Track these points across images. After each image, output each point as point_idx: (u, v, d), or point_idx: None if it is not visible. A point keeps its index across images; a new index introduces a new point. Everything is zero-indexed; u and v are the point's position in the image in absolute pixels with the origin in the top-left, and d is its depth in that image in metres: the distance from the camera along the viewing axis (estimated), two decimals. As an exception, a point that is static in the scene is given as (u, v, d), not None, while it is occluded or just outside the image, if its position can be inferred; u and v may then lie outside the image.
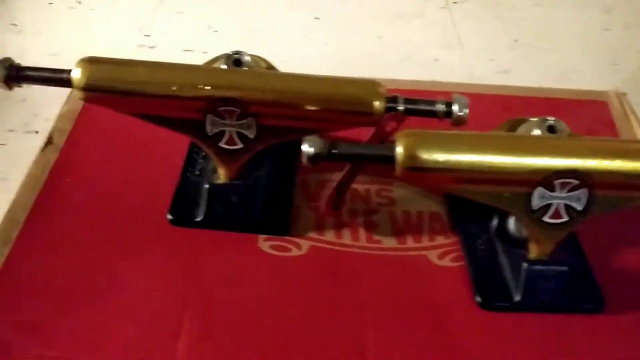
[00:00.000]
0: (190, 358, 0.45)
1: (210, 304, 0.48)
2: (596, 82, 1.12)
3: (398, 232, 0.55)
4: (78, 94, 0.49)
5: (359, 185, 0.58)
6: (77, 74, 0.48)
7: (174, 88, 0.48)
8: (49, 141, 0.59)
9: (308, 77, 0.50)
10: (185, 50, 1.12)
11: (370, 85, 0.50)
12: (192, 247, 0.52)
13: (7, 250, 0.50)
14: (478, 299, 0.49)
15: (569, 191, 0.46)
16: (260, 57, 0.54)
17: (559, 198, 0.46)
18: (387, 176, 0.59)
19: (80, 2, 1.20)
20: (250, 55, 0.53)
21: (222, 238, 0.53)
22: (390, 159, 0.45)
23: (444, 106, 0.50)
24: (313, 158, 0.45)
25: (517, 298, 0.49)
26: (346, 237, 0.54)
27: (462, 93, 0.69)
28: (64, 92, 0.63)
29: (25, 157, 0.87)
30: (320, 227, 0.54)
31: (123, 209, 0.55)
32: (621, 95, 0.68)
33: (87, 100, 0.49)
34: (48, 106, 0.95)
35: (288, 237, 0.53)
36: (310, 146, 0.45)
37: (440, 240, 0.55)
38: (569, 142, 0.47)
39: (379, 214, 0.56)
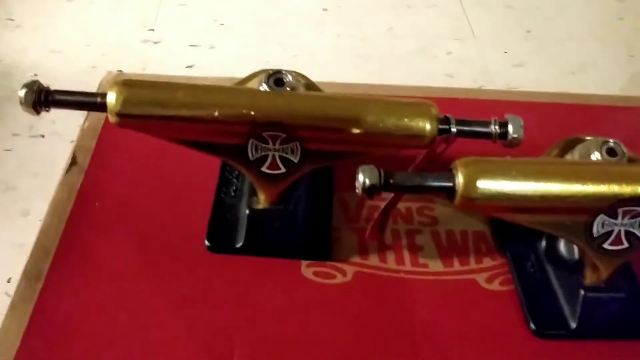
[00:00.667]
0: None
1: (258, 336, 0.46)
2: (613, 72, 1.11)
3: (443, 254, 0.53)
4: (112, 118, 0.46)
5: (400, 203, 0.56)
6: (112, 99, 0.45)
7: (216, 113, 0.45)
8: (73, 161, 0.56)
9: (357, 99, 0.48)
10: (192, 45, 1.08)
11: (422, 108, 0.47)
12: (233, 276, 0.50)
13: (40, 285, 0.47)
14: (532, 326, 0.48)
15: (631, 218, 0.44)
16: (299, 74, 0.51)
17: (620, 225, 0.45)
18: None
19: (80, -5, 1.15)
20: (291, 72, 0.50)
21: (264, 265, 0.51)
22: (450, 189, 0.43)
23: (498, 127, 0.48)
24: (369, 190, 0.43)
25: (574, 325, 0.48)
26: (391, 261, 0.52)
27: (485, 100, 0.67)
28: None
29: (32, 163, 0.84)
30: (363, 251, 0.52)
31: (157, 234, 0.52)
32: (659, 101, 0.66)
33: (120, 125, 0.46)
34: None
35: (331, 263, 0.51)
36: (366, 177, 0.42)
37: (487, 262, 0.53)
38: (632, 169, 0.45)
39: (423, 235, 0.54)
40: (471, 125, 0.48)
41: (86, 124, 0.60)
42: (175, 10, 1.16)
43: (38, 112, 0.47)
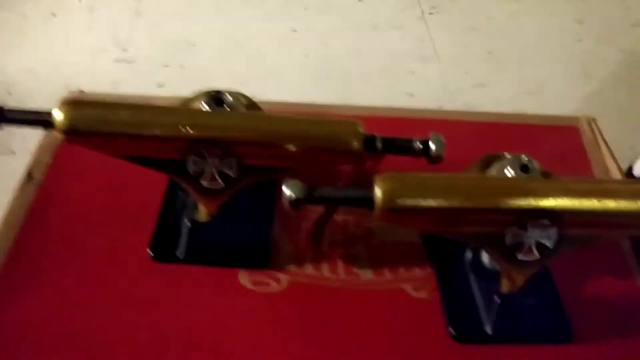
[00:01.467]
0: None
1: (190, 342, 0.49)
2: (570, 95, 1.15)
3: (375, 264, 0.56)
4: (59, 135, 0.49)
5: (338, 216, 0.59)
6: (59, 116, 0.49)
7: (156, 131, 0.49)
8: (29, 176, 0.59)
9: (289, 118, 0.51)
10: (164, 65, 1.12)
11: (349, 126, 0.51)
12: (173, 284, 0.53)
13: (-12, 293, 0.50)
14: (452, 331, 0.51)
15: (541, 230, 0.48)
16: (240, 94, 0.55)
17: (531, 237, 0.48)
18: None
19: (55, 15, 1.19)
20: (230, 92, 0.53)
21: (203, 274, 0.54)
22: (370, 201, 0.46)
23: (420, 145, 0.51)
24: (294, 202, 0.46)
25: (490, 331, 0.51)
26: (325, 270, 0.55)
27: (435, 119, 0.71)
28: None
29: (3, 181, 0.87)
30: (299, 260, 0.56)
31: (104, 245, 0.55)
32: (592, 121, 0.70)
33: (69, 141, 0.50)
34: (25, 123, 0.95)
35: (268, 271, 0.54)
36: (290, 190, 0.46)
37: (416, 272, 0.56)
38: (541, 184, 0.48)
39: (357, 246, 0.58)
40: (395, 142, 0.52)
41: (45, 140, 0.63)
42: (149, 30, 1.19)
43: (-10, 129, 0.50)
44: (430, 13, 1.32)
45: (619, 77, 1.20)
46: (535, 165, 0.50)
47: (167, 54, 1.14)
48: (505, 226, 0.47)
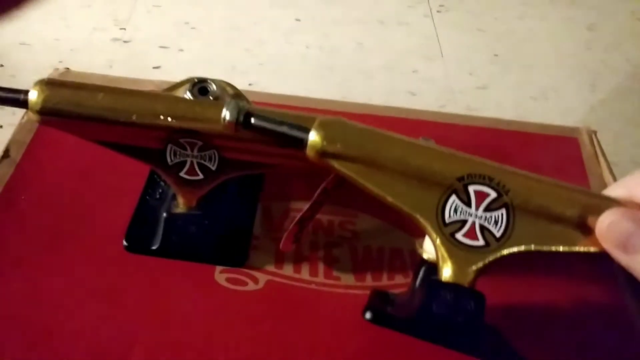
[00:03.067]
0: (136, 397, 0.44)
1: (159, 338, 0.47)
2: (574, 103, 1.13)
3: (358, 268, 0.54)
4: (33, 115, 0.47)
5: (323, 216, 0.57)
6: (33, 96, 0.46)
7: (134, 117, 0.47)
8: (5, 154, 0.57)
9: (273, 111, 0.49)
10: (161, 47, 1.09)
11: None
12: (146, 277, 0.51)
13: (-48, 272, 0.49)
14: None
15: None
16: (227, 83, 0.52)
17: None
18: (352, 207, 0.59)
19: (55, -11, 1.16)
20: (216, 81, 0.51)
21: (178, 268, 0.52)
22: (301, 142, 0.43)
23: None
24: (228, 125, 0.44)
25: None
26: (305, 272, 0.53)
27: (433, 122, 0.69)
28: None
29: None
30: (279, 260, 0.54)
31: (78, 232, 0.53)
32: (592, 133, 0.68)
33: (43, 123, 0.47)
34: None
35: (245, 270, 0.52)
36: (227, 112, 0.44)
37: (399, 279, 0.54)
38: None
39: (340, 248, 0.56)
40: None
41: (25, 118, 0.61)
42: (150, 10, 1.17)
43: (-38, 105, 0.48)
44: (438, 11, 1.29)
45: (627, 89, 1.18)
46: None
47: (165, 36, 1.11)
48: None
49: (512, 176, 0.43)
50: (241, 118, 0.44)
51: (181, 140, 0.48)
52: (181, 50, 1.09)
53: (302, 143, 0.44)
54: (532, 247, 0.44)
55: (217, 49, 1.11)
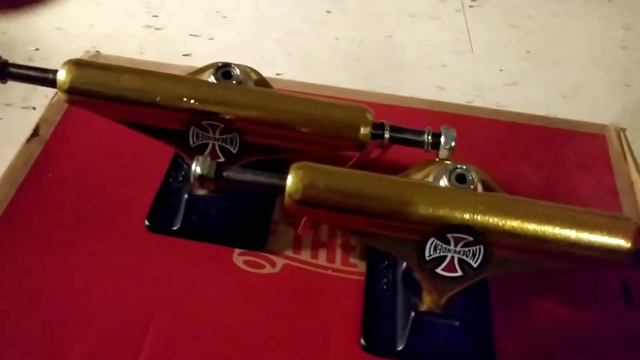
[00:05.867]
0: (151, 372, 0.45)
1: (175, 315, 0.48)
2: (606, 102, 1.11)
3: (374, 257, 0.54)
4: (61, 95, 0.48)
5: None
6: (62, 76, 0.48)
7: (158, 98, 0.47)
8: (35, 132, 0.59)
9: (295, 97, 0.49)
10: (192, 34, 1.10)
11: (358, 111, 0.49)
12: (166, 257, 0.52)
13: (-19, 244, 0.50)
14: (362, 342, 0.48)
15: (464, 246, 0.43)
16: (251, 69, 0.53)
17: (453, 252, 0.43)
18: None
19: (91, -24, 1.18)
20: (240, 66, 0.51)
21: (198, 249, 0.53)
22: (281, 189, 0.43)
23: (430, 138, 0.49)
24: (199, 179, 0.43)
25: (401, 347, 0.48)
26: (322, 258, 0.54)
27: (460, 115, 0.68)
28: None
29: (19, 134, 0.87)
30: (297, 246, 0.54)
31: (102, 210, 0.54)
32: (620, 131, 0.67)
33: (70, 102, 0.49)
34: (49, 81, 0.95)
35: (263, 253, 0.53)
36: (198, 166, 0.43)
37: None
38: (465, 196, 0.43)
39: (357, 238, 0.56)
40: (404, 132, 0.49)
41: (55, 98, 0.63)
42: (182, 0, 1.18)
43: (-6, 82, 0.50)
44: (470, 6, 1.28)
45: (662, 89, 1.15)
46: (473, 175, 0.44)
47: (196, 25, 1.12)
48: (425, 236, 0.43)
49: (492, 218, 0.42)
50: (213, 174, 0.43)
51: (203, 123, 0.48)
52: (211, 38, 1.10)
53: (281, 189, 0.43)
54: (507, 271, 0.44)
55: (246, 38, 1.12)
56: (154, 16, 1.13)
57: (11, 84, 0.98)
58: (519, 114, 0.70)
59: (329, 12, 1.21)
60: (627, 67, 1.19)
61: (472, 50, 1.17)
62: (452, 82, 1.09)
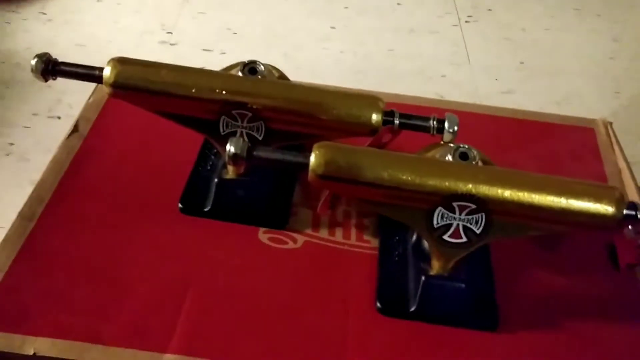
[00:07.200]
0: (189, 333, 0.50)
1: (210, 286, 0.53)
2: (597, 108, 1.17)
3: (386, 234, 0.60)
4: (106, 89, 0.54)
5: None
6: (107, 72, 0.54)
7: (193, 90, 0.53)
8: (75, 128, 0.65)
9: (314, 88, 0.55)
10: (204, 49, 1.17)
11: (371, 100, 0.55)
12: (198, 235, 0.57)
13: (32, 225, 0.55)
14: (378, 305, 0.53)
15: (468, 214, 0.49)
16: (273, 67, 0.59)
17: (458, 219, 0.49)
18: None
19: (108, -4, 1.25)
20: (264, 64, 0.58)
21: (227, 228, 0.58)
22: (305, 166, 0.49)
23: (435, 123, 0.55)
24: (233, 157, 0.49)
25: (413, 308, 0.53)
26: (338, 235, 0.59)
27: (460, 111, 0.74)
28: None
29: (46, 141, 0.93)
30: (315, 225, 0.60)
31: (138, 195, 0.60)
32: (608, 124, 0.73)
33: (114, 96, 0.55)
34: (71, 93, 1.01)
35: (285, 231, 0.58)
36: (232, 146, 0.48)
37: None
38: (468, 168, 0.49)
39: (371, 217, 0.61)
40: (412, 119, 0.55)
41: (91, 99, 0.69)
42: (195, 17, 1.25)
43: (46, 80, 0.56)
44: (466, 21, 1.35)
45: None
46: (475, 153, 0.51)
47: (209, 40, 1.19)
48: (433, 206, 0.49)
49: (492, 187, 0.48)
50: (245, 153, 0.48)
51: (233, 112, 0.54)
52: (223, 53, 1.17)
53: (305, 166, 0.48)
54: (506, 236, 0.50)
55: (256, 52, 1.18)
56: (168, 33, 1.20)
57: (37, 95, 1.04)
58: (515, 111, 0.76)
59: (333, 27, 1.28)
60: (616, 76, 1.25)
61: (469, 62, 1.24)
62: (451, 90, 1.16)
